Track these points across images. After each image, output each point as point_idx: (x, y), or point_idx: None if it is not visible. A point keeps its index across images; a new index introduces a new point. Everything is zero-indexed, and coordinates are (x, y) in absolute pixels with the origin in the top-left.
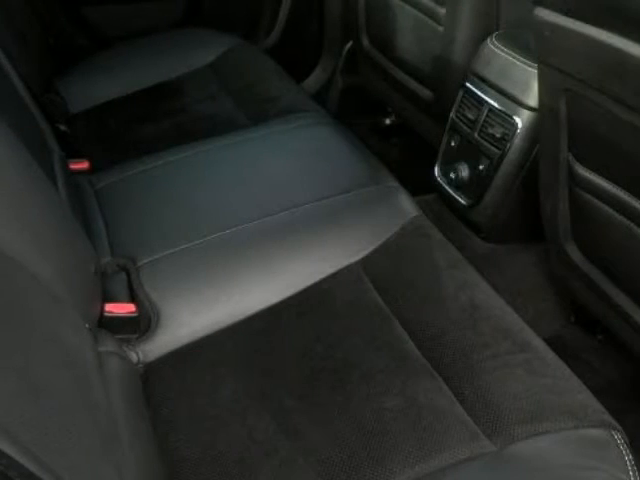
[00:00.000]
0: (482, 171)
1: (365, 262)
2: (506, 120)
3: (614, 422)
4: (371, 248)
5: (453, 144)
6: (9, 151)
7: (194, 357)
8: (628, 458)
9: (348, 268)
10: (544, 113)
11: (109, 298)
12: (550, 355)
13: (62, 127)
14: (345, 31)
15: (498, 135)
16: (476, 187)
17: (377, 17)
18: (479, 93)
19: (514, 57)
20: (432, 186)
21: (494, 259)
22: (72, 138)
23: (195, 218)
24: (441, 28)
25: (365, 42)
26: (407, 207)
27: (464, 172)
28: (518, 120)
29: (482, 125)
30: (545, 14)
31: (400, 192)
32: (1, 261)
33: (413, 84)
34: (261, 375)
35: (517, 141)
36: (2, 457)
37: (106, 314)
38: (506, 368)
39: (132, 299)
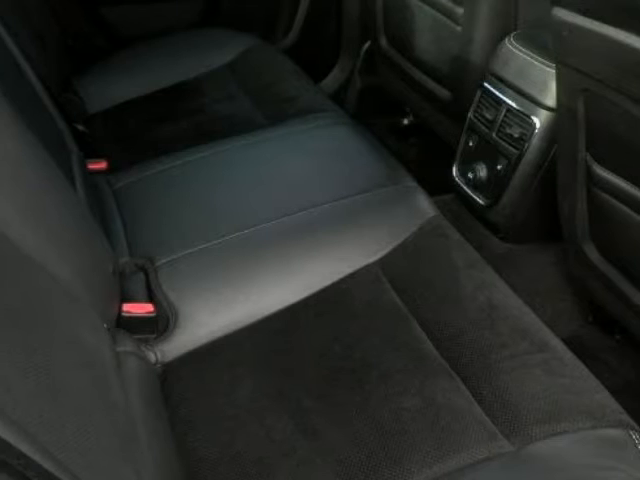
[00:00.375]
0: (500, 171)
1: (383, 262)
2: (524, 120)
3: (632, 422)
4: (389, 248)
5: (471, 144)
6: (27, 151)
7: (212, 357)
8: None
9: (366, 268)
10: (562, 113)
11: (127, 298)
12: (568, 355)
13: (80, 127)
14: (363, 31)
15: (516, 135)
16: (494, 187)
17: (395, 17)
18: (497, 93)
19: (532, 57)
20: (450, 186)
21: (512, 259)
22: (90, 138)
23: (213, 218)
24: (459, 28)
25: (383, 42)
26: (425, 207)
27: (482, 172)
28: (536, 120)
29: (500, 125)
30: (563, 14)
31: (418, 192)
32: (20, 261)
33: (431, 84)
34: (279, 375)
35: (535, 141)
36: (20, 457)
37: (124, 314)
38: (524, 368)
39: (150, 299)
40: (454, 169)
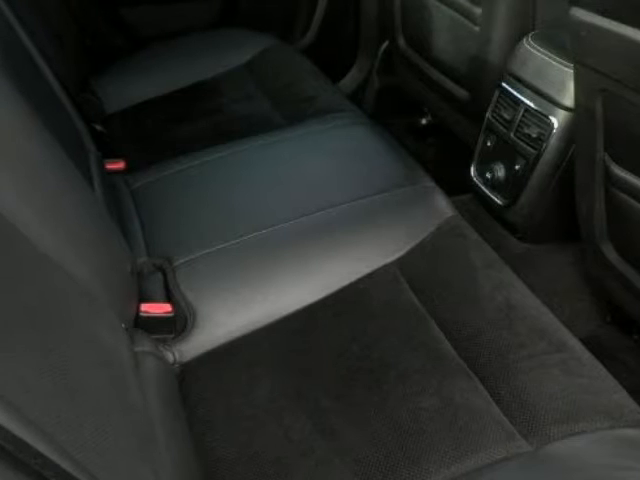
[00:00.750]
0: (518, 171)
1: (401, 262)
2: (542, 120)
3: None
4: (407, 248)
5: (489, 144)
6: (45, 151)
7: (230, 357)
8: None
9: (384, 268)
10: (580, 113)
11: (145, 298)
12: (586, 355)
13: (98, 127)
14: (381, 31)
15: (534, 135)
16: (512, 187)
17: (413, 17)
18: (515, 93)
19: (550, 57)
20: (468, 186)
21: (530, 259)
22: (108, 138)
23: (231, 218)
24: (477, 28)
25: (401, 42)
26: (443, 207)
27: (500, 172)
28: (554, 120)
29: (518, 125)
30: (581, 14)
31: (436, 192)
32: (38, 260)
33: (449, 84)
34: (297, 375)
35: (553, 141)
36: (38, 457)
37: (142, 314)
38: (542, 368)
39: (168, 299)
40: (472, 169)
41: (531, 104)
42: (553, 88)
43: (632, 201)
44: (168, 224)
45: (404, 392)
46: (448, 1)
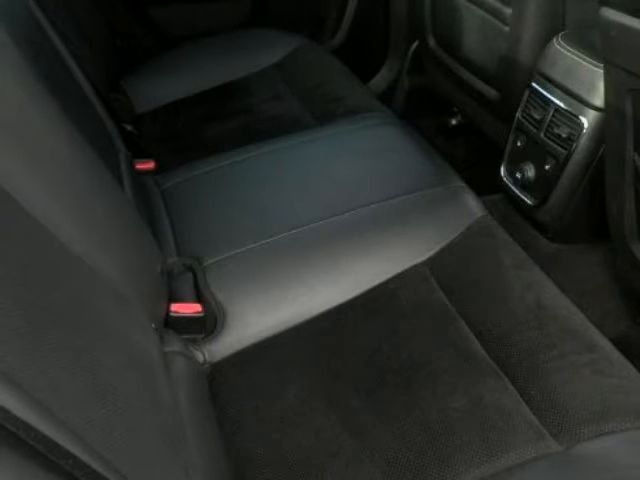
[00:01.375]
0: (548, 171)
1: (431, 262)
2: (572, 120)
3: None
4: (437, 248)
5: (519, 144)
6: (76, 152)
7: (260, 357)
8: None
9: (414, 268)
10: (610, 113)
11: (175, 298)
12: (616, 355)
13: (128, 127)
14: (411, 31)
15: (564, 135)
16: (542, 187)
17: (443, 17)
18: (545, 93)
19: (580, 57)
20: (498, 186)
21: (560, 259)
22: (138, 138)
23: (261, 218)
24: (507, 28)
25: (431, 42)
26: (473, 207)
27: (530, 172)
28: (584, 120)
29: (548, 125)
30: (611, 14)
31: (466, 192)
32: (69, 261)
33: (479, 84)
34: (327, 375)
35: (583, 141)
36: (68, 457)
37: (172, 314)
38: (572, 368)
39: (198, 299)
40: (502, 169)
41: (561, 104)
42: (583, 88)
43: None
44: (198, 224)
45: (434, 392)
46: (478, 1)
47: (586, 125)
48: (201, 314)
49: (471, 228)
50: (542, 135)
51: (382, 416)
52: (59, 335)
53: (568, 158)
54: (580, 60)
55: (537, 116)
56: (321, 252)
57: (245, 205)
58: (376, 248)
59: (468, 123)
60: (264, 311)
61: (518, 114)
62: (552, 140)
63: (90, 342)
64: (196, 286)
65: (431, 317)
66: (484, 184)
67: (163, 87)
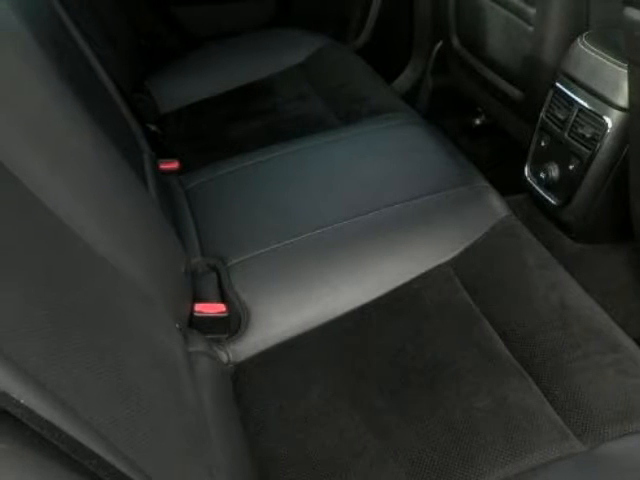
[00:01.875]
0: (572, 171)
1: (455, 262)
2: (596, 120)
3: None
4: (461, 248)
5: (543, 144)
6: (100, 152)
7: (284, 357)
8: None
9: (438, 268)
10: (634, 113)
11: (199, 298)
12: None
13: (152, 127)
14: (435, 31)
15: (588, 135)
16: (566, 187)
17: (467, 17)
18: (569, 93)
19: (604, 57)
20: (522, 186)
21: (584, 259)
22: (162, 138)
23: (285, 218)
24: (531, 28)
25: (455, 42)
26: (497, 207)
27: (554, 172)
28: (608, 120)
29: (572, 125)
30: (635, 14)
31: (490, 192)
32: (93, 262)
33: (503, 84)
34: (352, 375)
35: (607, 141)
36: (92, 457)
37: (196, 314)
38: (596, 368)
39: (222, 299)
40: (526, 169)
41: (585, 104)
42: (607, 88)
43: None
44: (222, 224)
45: (458, 392)
46: (502, 1)
47: (610, 125)
48: (225, 314)
49: (495, 228)
50: (566, 135)
51: (406, 416)
52: (83, 335)
53: (592, 158)
54: (604, 60)
55: (561, 116)
56: (345, 252)
57: (269, 205)
58: (400, 248)
59: (492, 123)
60: (288, 311)
61: (542, 114)
62: (576, 140)
63: (114, 342)
64: (220, 286)
65: (455, 317)
66: (508, 184)
67: (187, 87)
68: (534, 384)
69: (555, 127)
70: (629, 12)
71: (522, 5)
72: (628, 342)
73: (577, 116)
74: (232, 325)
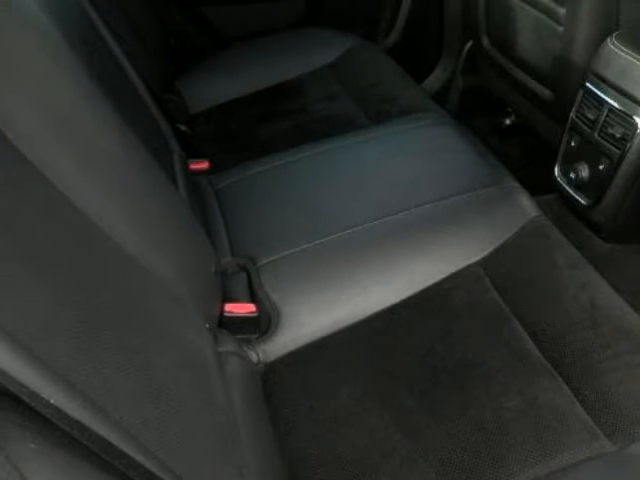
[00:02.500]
0: (602, 171)
1: (485, 262)
2: (626, 120)
3: None
4: (491, 248)
5: (573, 144)
6: (130, 152)
7: (314, 357)
8: None
9: (468, 268)
10: None
11: (229, 298)
12: None
13: (182, 127)
14: (465, 31)
15: (618, 135)
16: (596, 187)
17: (497, 17)
18: (599, 93)
19: (634, 57)
20: (552, 186)
21: (614, 259)
22: (192, 138)
23: (315, 218)
24: (561, 28)
25: (485, 42)
26: (527, 207)
27: (584, 172)
28: (638, 120)
29: (602, 125)
30: None
31: (520, 192)
32: (123, 262)
33: (533, 84)
34: (381, 375)
35: (637, 141)
36: (122, 457)
37: (226, 314)
38: (626, 368)
39: (252, 299)
40: (556, 169)
41: (615, 104)
42: (637, 88)
43: None
44: (252, 224)
45: (488, 392)
46: (532, 1)
47: None
48: (255, 314)
49: (525, 228)
50: (596, 135)
51: (436, 416)
52: (113, 335)
53: (622, 158)
54: (634, 60)
55: (591, 116)
56: (375, 252)
57: (299, 205)
58: (430, 248)
59: (522, 123)
60: (318, 311)
61: (572, 114)
62: (606, 140)
63: (144, 342)
64: (250, 286)
65: (485, 317)
66: (538, 184)
67: (217, 87)
68: (564, 384)
69: (585, 127)
70: None
71: (552, 5)
72: None
73: (607, 116)
74: (262, 325)
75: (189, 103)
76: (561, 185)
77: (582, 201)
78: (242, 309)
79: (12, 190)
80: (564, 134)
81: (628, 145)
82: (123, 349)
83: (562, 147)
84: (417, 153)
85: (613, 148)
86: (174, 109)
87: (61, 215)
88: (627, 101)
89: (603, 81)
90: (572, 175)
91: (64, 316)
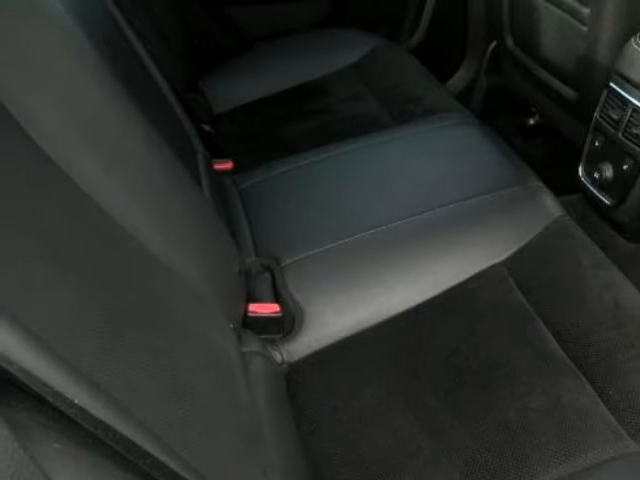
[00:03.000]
0: (626, 171)
1: (509, 262)
2: None
3: None
4: (515, 248)
5: (597, 144)
6: (154, 152)
7: (338, 357)
8: None
9: (492, 268)
10: None
11: (253, 298)
12: None
13: (206, 127)
14: (489, 31)
15: None
16: (620, 187)
17: (521, 17)
18: (623, 93)
19: None
20: (576, 186)
21: (638, 259)
22: (216, 138)
23: (339, 218)
24: (585, 28)
25: (509, 42)
26: (551, 207)
27: (608, 172)
28: None
29: (626, 125)
30: None
31: (544, 192)
32: (147, 262)
33: (557, 84)
34: (405, 375)
35: None
36: (146, 457)
37: (250, 314)
38: None
39: (276, 299)
40: (580, 169)
41: (639, 104)
42: None
43: None
44: (276, 224)
45: (512, 392)
46: (556, 1)
47: None
48: (279, 314)
49: (549, 228)
50: (620, 135)
51: (460, 416)
52: (137, 335)
53: None
54: None
55: (615, 116)
56: (399, 252)
57: (323, 205)
58: (454, 248)
59: (546, 123)
60: (342, 311)
61: (596, 114)
62: (630, 140)
63: (168, 342)
64: (274, 286)
65: (509, 317)
66: (562, 184)
67: (241, 87)
68: (588, 384)
69: (609, 127)
70: None
71: (576, 5)
72: None
73: (631, 116)
74: (286, 325)
75: (213, 103)
76: (585, 185)
77: (606, 201)
78: (266, 309)
79: (37, 191)
80: (588, 134)
81: None
82: (147, 349)
83: (586, 147)
84: (441, 153)
85: (637, 148)
86: (198, 109)
87: (85, 215)
88: None
89: (627, 81)
90: (596, 175)
91: (88, 316)
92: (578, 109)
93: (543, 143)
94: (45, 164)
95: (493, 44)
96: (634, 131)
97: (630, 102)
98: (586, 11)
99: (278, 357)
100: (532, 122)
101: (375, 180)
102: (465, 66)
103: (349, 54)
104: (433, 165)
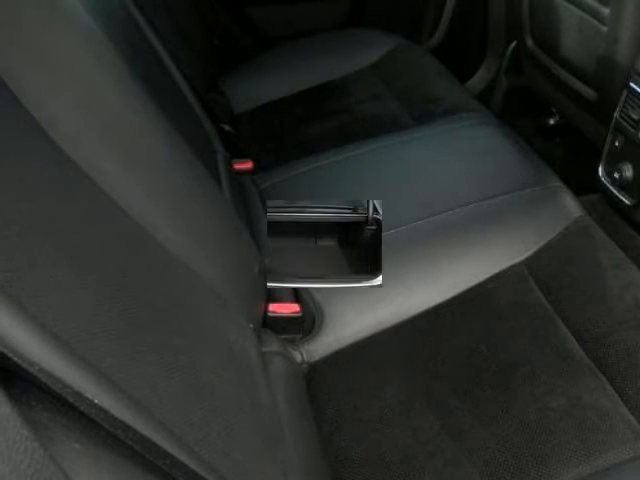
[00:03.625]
0: None
1: (529, 262)
2: None
3: None
4: (535, 248)
5: (617, 144)
6: (174, 151)
7: (358, 357)
8: None
9: (512, 268)
10: None
11: (273, 298)
12: None
13: (226, 127)
14: (509, 31)
15: None
16: None
17: (541, 17)
18: None
19: None
20: (596, 186)
21: None
22: (236, 138)
23: None
24: (605, 28)
25: (529, 42)
26: (571, 207)
27: (628, 172)
28: None
29: None
30: None
31: (564, 192)
32: (167, 262)
33: (577, 84)
34: (425, 375)
35: None
36: (166, 457)
37: (270, 314)
38: None
39: (296, 299)
40: (600, 169)
41: None
42: None
43: None
44: None
45: (532, 392)
46: (576, 1)
47: None
48: (299, 314)
49: (569, 228)
50: None
51: (480, 416)
52: (157, 335)
53: None
54: None
55: (635, 116)
56: (419, 252)
57: None
58: (474, 248)
59: (566, 123)
60: (362, 311)
61: (616, 114)
62: None
63: (188, 342)
64: None
65: (529, 317)
66: (582, 184)
67: (261, 87)
68: (608, 384)
69: (629, 127)
70: None
71: (596, 5)
72: None
73: None
74: (306, 325)
75: (233, 103)
76: (605, 185)
77: (626, 201)
78: (286, 309)
79: (57, 191)
80: (608, 134)
81: None
82: (167, 349)
83: (606, 147)
84: (461, 153)
85: None
86: (218, 109)
87: (105, 215)
88: None
89: None
90: (616, 175)
91: (108, 316)
92: (598, 109)
93: (563, 143)
94: (65, 164)
95: (513, 44)
96: None
97: None
98: (606, 11)
99: (298, 357)
100: (552, 122)
101: (395, 180)
102: (485, 66)
103: (369, 54)
104: (453, 165)
